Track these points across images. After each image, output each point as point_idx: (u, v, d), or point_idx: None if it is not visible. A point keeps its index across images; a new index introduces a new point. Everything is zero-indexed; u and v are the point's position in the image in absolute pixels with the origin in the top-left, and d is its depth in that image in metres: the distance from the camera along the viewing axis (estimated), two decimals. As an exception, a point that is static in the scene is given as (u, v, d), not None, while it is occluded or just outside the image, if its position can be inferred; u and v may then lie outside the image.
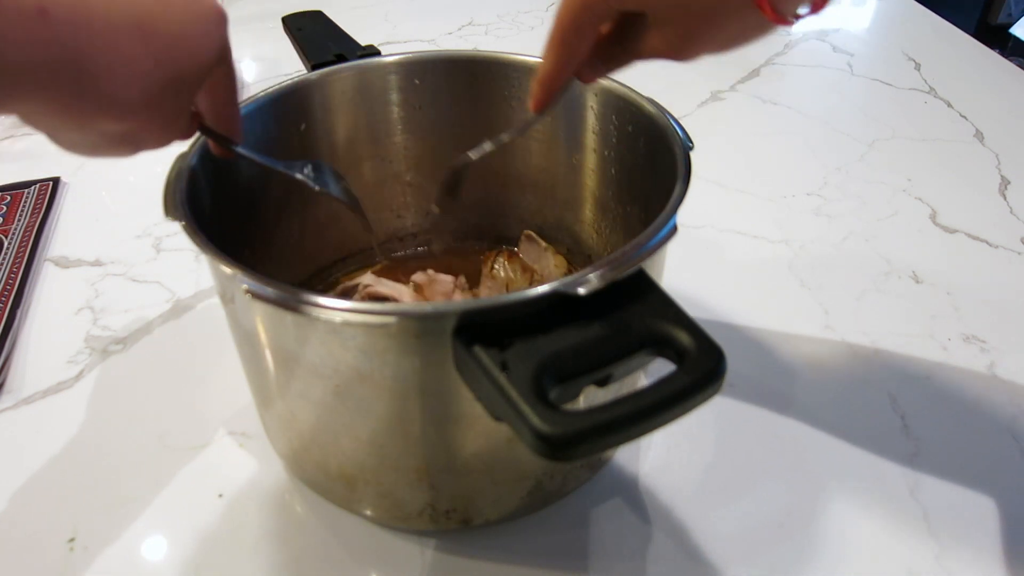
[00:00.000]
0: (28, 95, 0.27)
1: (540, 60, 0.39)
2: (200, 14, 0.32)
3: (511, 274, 0.59)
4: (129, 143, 0.32)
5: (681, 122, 0.45)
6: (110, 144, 0.30)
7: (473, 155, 0.46)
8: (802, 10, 0.35)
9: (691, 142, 0.43)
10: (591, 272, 0.34)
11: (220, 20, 0.34)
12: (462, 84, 0.56)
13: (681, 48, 0.36)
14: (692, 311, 0.33)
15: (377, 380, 0.37)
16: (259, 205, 0.52)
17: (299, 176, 0.42)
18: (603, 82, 0.50)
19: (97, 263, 0.68)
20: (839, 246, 0.69)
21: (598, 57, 0.39)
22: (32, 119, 0.29)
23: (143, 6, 0.29)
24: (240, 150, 0.39)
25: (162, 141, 0.33)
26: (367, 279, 0.54)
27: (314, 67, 0.55)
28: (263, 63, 1.05)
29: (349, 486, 0.44)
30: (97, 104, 0.28)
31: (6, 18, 0.24)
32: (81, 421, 0.54)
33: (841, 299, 0.63)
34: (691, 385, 0.31)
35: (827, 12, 0.36)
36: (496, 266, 0.59)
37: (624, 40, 0.38)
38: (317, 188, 0.43)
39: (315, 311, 0.34)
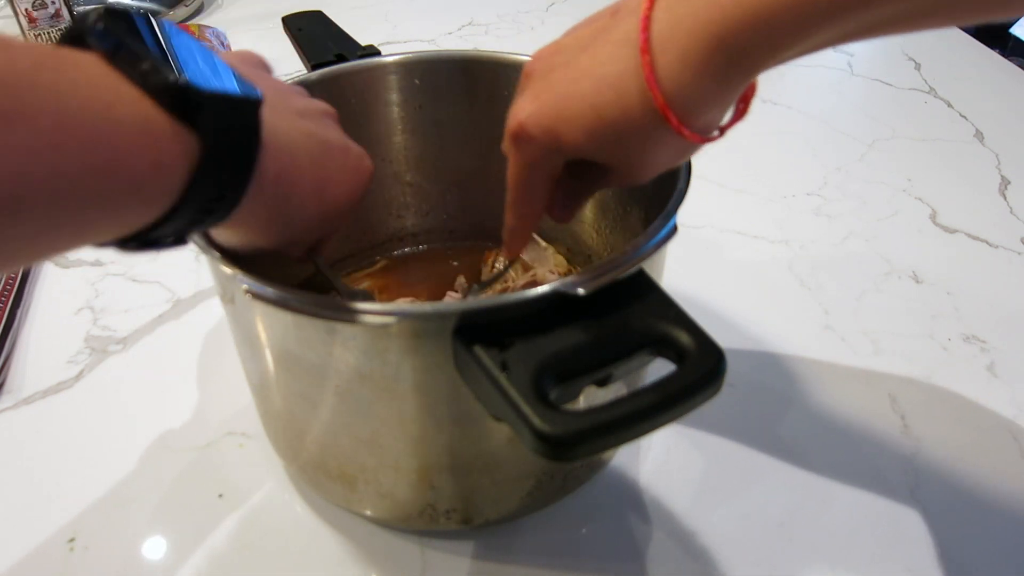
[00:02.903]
0: (240, 227, 0.34)
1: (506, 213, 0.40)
2: (359, 182, 0.40)
3: (511, 274, 0.58)
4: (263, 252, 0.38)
5: (681, 122, 0.45)
6: (253, 250, 0.37)
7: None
8: (720, 123, 0.35)
9: (691, 142, 0.43)
10: (591, 272, 0.34)
11: (368, 182, 0.41)
12: (462, 84, 0.56)
13: (629, 179, 0.37)
14: (692, 311, 0.33)
15: (377, 380, 0.37)
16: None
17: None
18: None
19: (97, 263, 0.68)
20: (839, 246, 0.69)
21: (562, 195, 0.40)
22: (221, 236, 0.36)
23: (325, 176, 0.37)
24: (318, 262, 0.43)
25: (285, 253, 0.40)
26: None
27: (314, 67, 0.55)
28: (263, 63, 1.05)
29: (349, 486, 0.44)
30: (273, 237, 0.36)
31: (258, 178, 0.31)
32: (81, 421, 0.54)
33: (841, 299, 0.63)
34: (691, 385, 0.31)
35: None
36: (496, 266, 0.59)
37: (581, 175, 0.38)
38: None
39: (315, 311, 0.34)
